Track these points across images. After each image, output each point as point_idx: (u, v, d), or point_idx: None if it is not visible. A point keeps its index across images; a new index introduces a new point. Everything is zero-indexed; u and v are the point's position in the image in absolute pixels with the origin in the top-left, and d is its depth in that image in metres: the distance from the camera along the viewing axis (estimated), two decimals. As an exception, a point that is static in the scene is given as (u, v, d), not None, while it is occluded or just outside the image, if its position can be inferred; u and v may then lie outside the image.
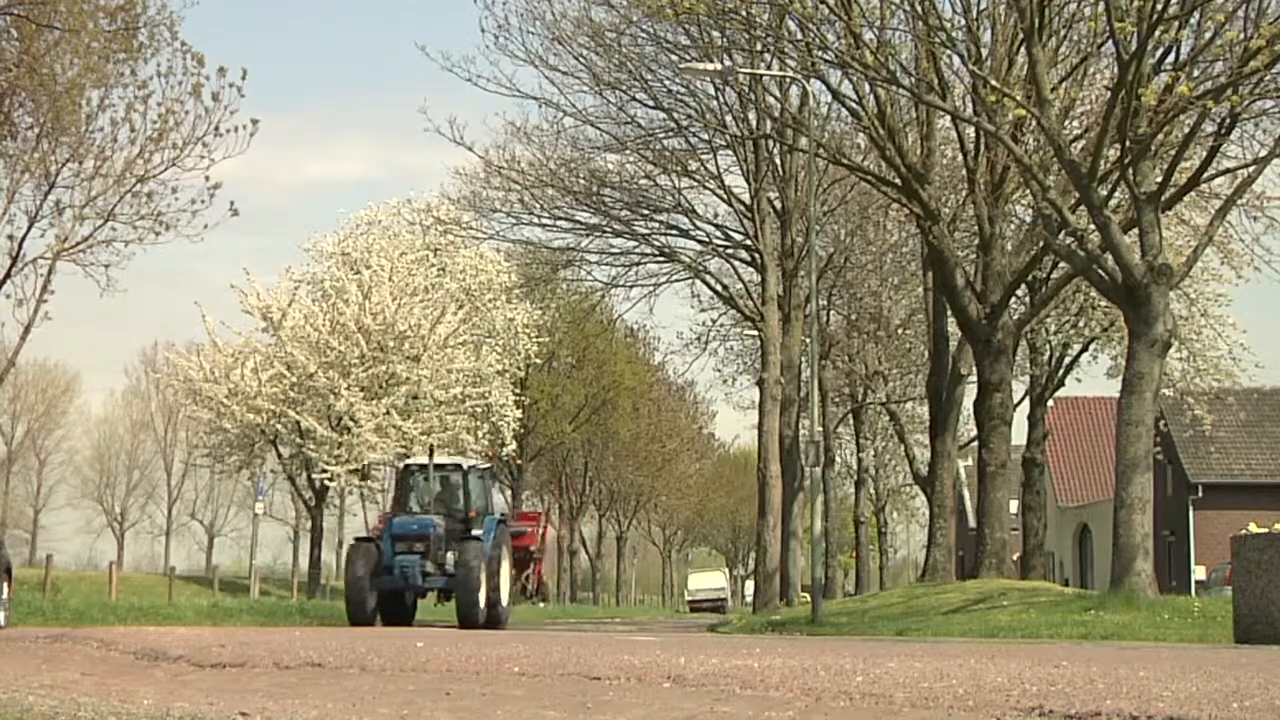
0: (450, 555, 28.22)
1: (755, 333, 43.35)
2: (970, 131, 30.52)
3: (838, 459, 60.82)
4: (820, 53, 28.00)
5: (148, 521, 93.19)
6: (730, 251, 43.13)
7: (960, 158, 32.46)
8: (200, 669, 8.46)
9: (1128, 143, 22.77)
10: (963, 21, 28.76)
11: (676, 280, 43.90)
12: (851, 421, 57.44)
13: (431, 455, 30.22)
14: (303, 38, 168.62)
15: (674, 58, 35.35)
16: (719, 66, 33.02)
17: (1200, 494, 54.40)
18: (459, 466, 30.18)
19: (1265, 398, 55.96)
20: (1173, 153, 23.84)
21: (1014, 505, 43.94)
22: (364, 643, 9.02)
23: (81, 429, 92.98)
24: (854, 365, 51.71)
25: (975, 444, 35.90)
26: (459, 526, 28.73)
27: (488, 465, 31.52)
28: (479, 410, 48.89)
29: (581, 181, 40.93)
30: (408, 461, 31.05)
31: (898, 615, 26.10)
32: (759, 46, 33.21)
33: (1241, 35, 21.32)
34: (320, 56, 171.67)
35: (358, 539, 29.97)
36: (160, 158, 31.55)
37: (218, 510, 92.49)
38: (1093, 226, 24.46)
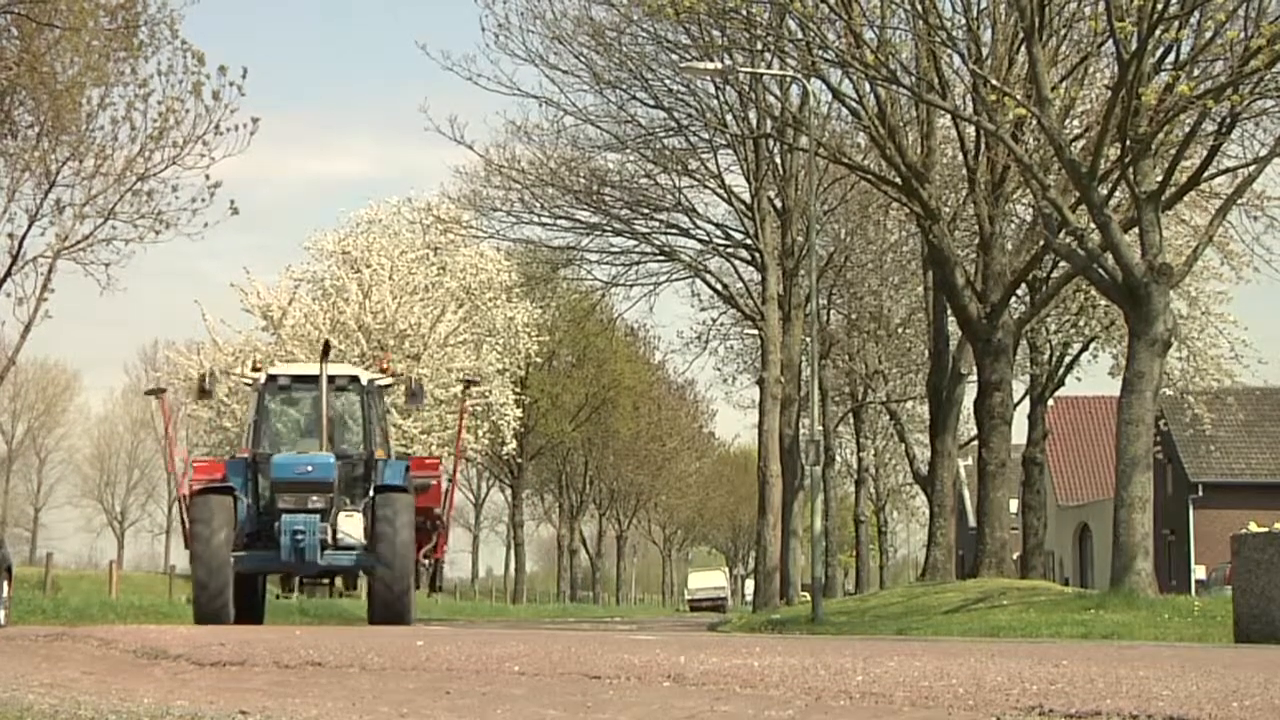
0: (346, 517, 19.76)
1: (755, 332, 43.35)
2: (970, 131, 30.52)
3: (838, 458, 60.83)
4: (820, 52, 28.01)
5: (148, 520, 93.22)
6: (730, 251, 43.15)
7: (960, 157, 32.47)
8: (200, 667, 8.46)
9: (1128, 142, 22.77)
10: (963, 20, 28.77)
11: (677, 279, 43.98)
12: (852, 421, 57.44)
13: (325, 356, 20.57)
14: (303, 37, 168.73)
15: (674, 57, 35.37)
16: (719, 66, 33.04)
17: (1200, 493, 54.41)
18: (355, 380, 20.77)
19: (1265, 397, 55.96)
20: (1173, 152, 23.82)
21: (1014, 504, 43.96)
22: (364, 641, 9.02)
23: (81, 427, 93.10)
24: (854, 364, 51.71)
25: (975, 443, 35.90)
26: (355, 474, 20.25)
27: (390, 382, 22.30)
28: (479, 409, 48.90)
29: (582, 180, 40.96)
30: (275, 371, 21.26)
31: (898, 614, 26.10)
32: (759, 46, 33.21)
33: (1242, 35, 21.32)
34: (321, 55, 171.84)
35: (208, 488, 19.74)
36: (161, 156, 31.53)
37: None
38: (1093, 226, 24.46)
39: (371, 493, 19.98)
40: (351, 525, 19.85)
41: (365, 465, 20.27)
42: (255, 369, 21.35)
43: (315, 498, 19.42)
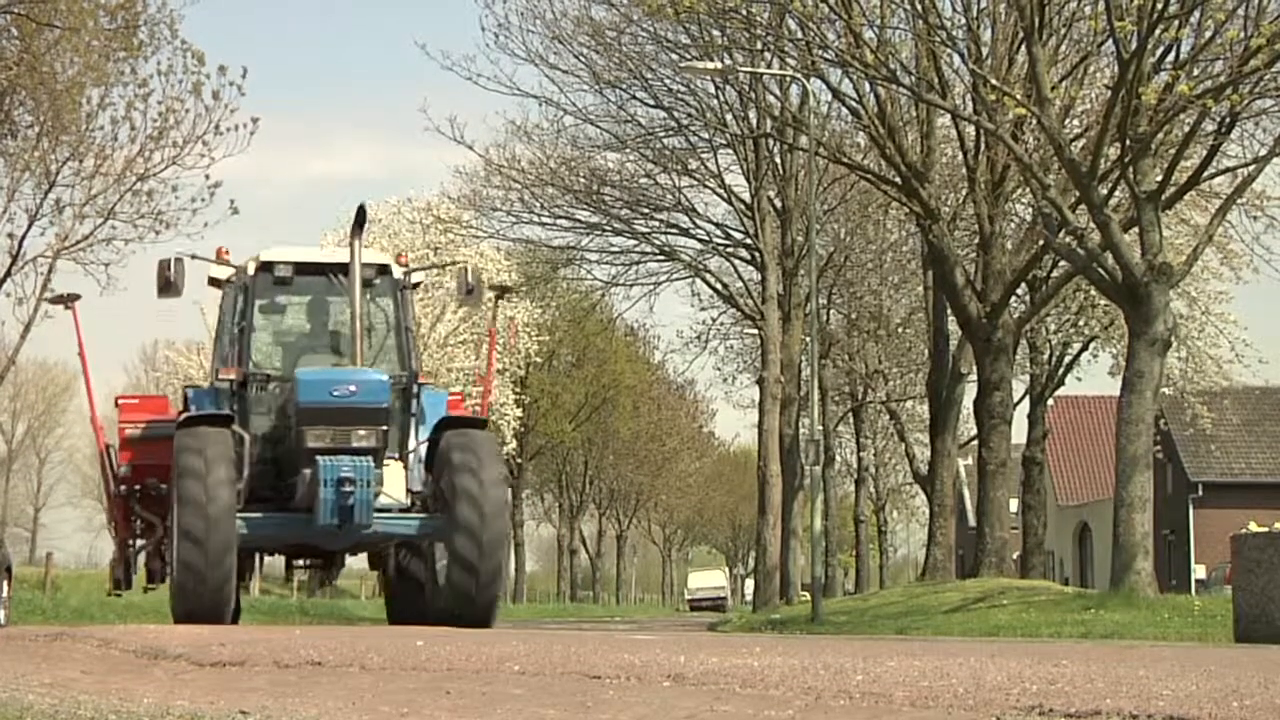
0: (393, 467, 14.50)
1: (755, 331, 43.35)
2: (970, 130, 30.52)
3: (838, 458, 60.84)
4: (820, 51, 28.02)
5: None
6: (730, 250, 43.16)
7: (960, 156, 32.48)
8: (200, 667, 8.46)
9: (1128, 141, 22.77)
10: (963, 20, 28.80)
11: (676, 279, 43.97)
12: (851, 420, 57.44)
13: (360, 226, 14.82)
14: (303, 37, 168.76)
15: (674, 56, 35.38)
16: (719, 65, 33.07)
17: (1200, 493, 54.44)
18: (385, 272, 15.54)
19: (1265, 396, 55.98)
20: (1173, 151, 23.84)
21: (1014, 504, 43.95)
22: (364, 641, 9.02)
23: (81, 427, 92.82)
24: (854, 364, 51.70)
25: (975, 443, 35.91)
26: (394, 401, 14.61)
27: (421, 279, 18.03)
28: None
29: (581, 180, 40.96)
30: (270, 258, 15.47)
31: (898, 614, 26.10)
32: (759, 45, 33.22)
33: (1241, 34, 21.34)
34: (321, 55, 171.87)
35: (194, 418, 14.58)
36: (160, 156, 31.51)
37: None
38: (1093, 225, 24.47)
39: (419, 430, 15.00)
40: (390, 477, 14.41)
41: (404, 393, 14.81)
42: (221, 259, 15.97)
43: (363, 432, 13.96)
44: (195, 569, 13.57)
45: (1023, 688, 6.12)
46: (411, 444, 15.14)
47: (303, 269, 15.42)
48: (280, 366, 15.25)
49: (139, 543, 16.74)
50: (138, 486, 16.25)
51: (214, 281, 16.26)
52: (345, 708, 6.65)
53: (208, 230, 31.72)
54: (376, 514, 14.20)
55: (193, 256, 16.19)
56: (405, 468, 14.96)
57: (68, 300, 18.24)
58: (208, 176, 31.70)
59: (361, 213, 14.92)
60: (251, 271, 15.43)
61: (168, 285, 15.79)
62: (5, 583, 22.36)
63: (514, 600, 70.47)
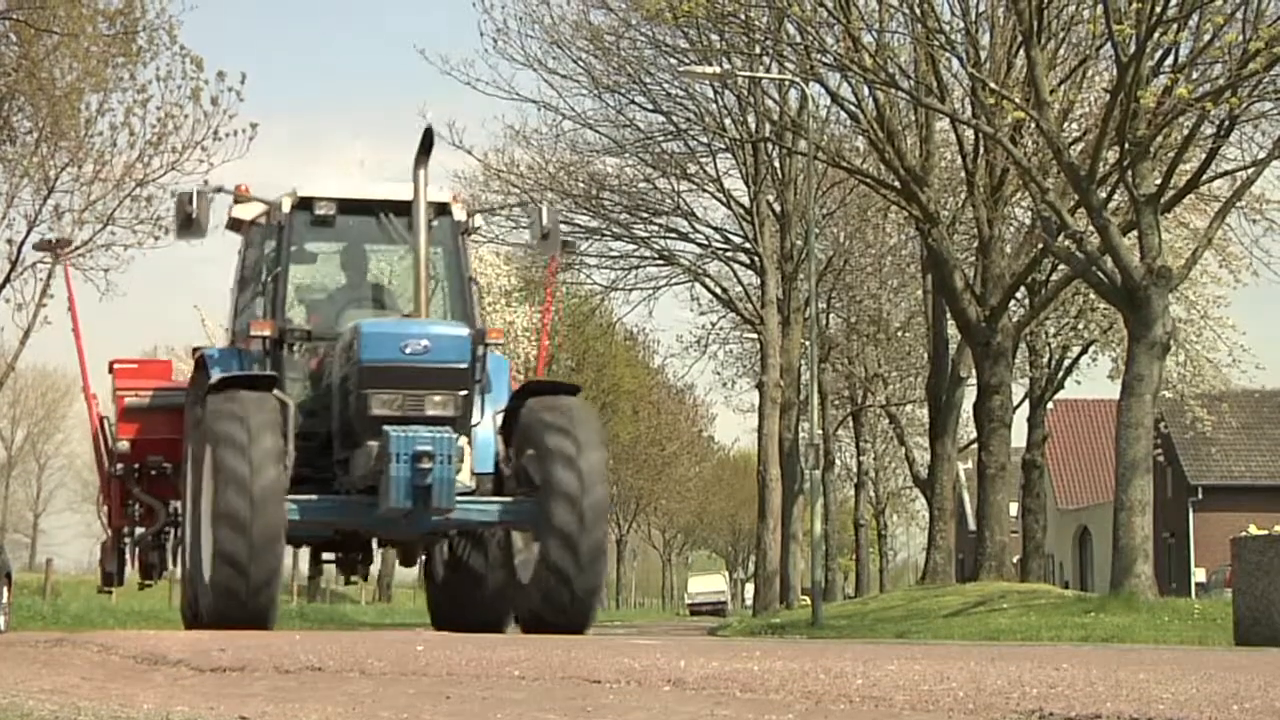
0: (466, 442, 12.30)
1: (755, 336, 43.39)
2: (969, 134, 30.54)
3: (837, 462, 60.85)
4: (819, 56, 28.04)
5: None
6: (730, 255, 43.21)
7: (959, 160, 32.50)
8: (200, 673, 8.46)
9: (1127, 145, 22.79)
10: (961, 24, 28.82)
11: (676, 283, 44.02)
12: (851, 424, 57.45)
13: (427, 151, 12.49)
14: (301, 42, 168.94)
15: (673, 61, 35.47)
16: (718, 69, 33.13)
17: (1200, 496, 54.44)
18: (444, 212, 13.30)
19: (1265, 400, 55.96)
20: (1172, 155, 23.86)
21: (1014, 508, 43.93)
22: (364, 646, 9.03)
23: (81, 433, 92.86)
24: (853, 368, 51.71)
25: (975, 446, 35.92)
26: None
27: (480, 225, 15.15)
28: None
29: (580, 185, 41.03)
30: (307, 193, 13.27)
31: (898, 618, 26.11)
32: (758, 50, 33.25)
33: (1240, 37, 21.35)
34: (319, 60, 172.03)
35: (230, 379, 12.31)
36: (159, 162, 31.52)
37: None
38: (1092, 229, 24.48)
39: (485, 400, 12.75)
40: (479, 450, 12.64)
41: (470, 354, 12.37)
42: (244, 197, 13.83)
43: (439, 397, 12.00)
44: (237, 561, 11.37)
45: (1023, 691, 6.12)
46: (476, 416, 12.67)
47: (348, 207, 13.24)
48: (318, 321, 13.18)
49: (137, 532, 14.82)
50: (137, 465, 14.41)
51: (234, 224, 14.20)
52: (345, 713, 6.65)
53: (206, 236, 31.69)
54: (466, 497, 12.21)
55: (217, 190, 14.01)
56: (469, 444, 12.55)
57: (56, 247, 16.69)
58: (206, 182, 31.67)
59: (429, 137, 12.53)
60: (287, 209, 13.27)
61: (188, 222, 13.56)
62: (5, 588, 22.40)
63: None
